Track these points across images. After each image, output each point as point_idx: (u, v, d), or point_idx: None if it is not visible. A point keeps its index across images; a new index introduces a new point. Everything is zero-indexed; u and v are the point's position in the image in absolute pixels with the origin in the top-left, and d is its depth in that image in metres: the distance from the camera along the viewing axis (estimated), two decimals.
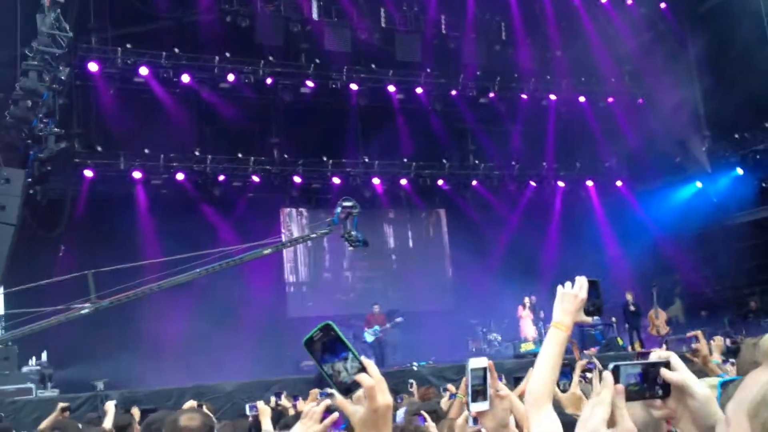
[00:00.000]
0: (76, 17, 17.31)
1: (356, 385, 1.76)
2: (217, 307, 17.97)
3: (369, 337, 17.60)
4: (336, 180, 21.68)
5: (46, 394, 13.28)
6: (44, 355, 14.46)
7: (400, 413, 6.14)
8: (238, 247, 14.69)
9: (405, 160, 22.64)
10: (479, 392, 2.29)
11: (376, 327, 17.82)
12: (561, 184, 24.50)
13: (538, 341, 17.56)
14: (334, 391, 1.76)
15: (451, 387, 9.52)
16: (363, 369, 1.77)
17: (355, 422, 1.77)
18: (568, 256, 22.01)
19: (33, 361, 14.17)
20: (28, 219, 15.82)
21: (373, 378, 1.77)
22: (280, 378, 15.28)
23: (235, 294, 18.28)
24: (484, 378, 2.29)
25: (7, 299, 15.71)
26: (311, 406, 2.78)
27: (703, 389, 1.68)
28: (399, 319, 18.52)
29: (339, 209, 15.09)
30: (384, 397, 1.77)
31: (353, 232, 15.21)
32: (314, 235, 16.19)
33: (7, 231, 14.89)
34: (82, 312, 12.82)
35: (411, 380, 11.49)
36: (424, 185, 23.09)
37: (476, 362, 2.28)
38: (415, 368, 15.48)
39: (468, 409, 2.30)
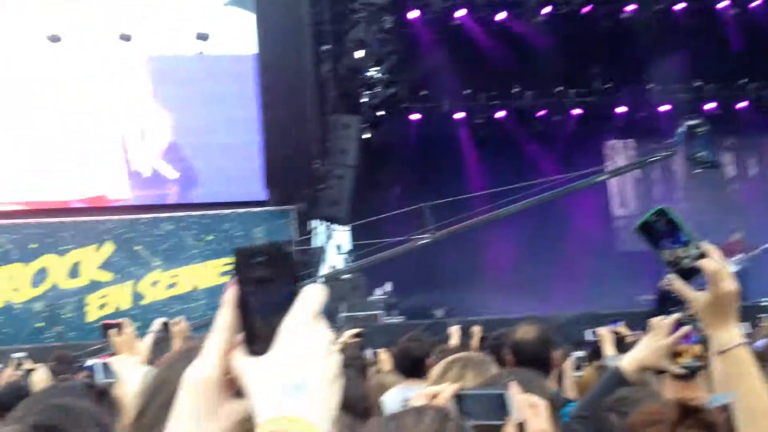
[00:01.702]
0: None
1: (696, 271, 1.70)
2: (544, 240, 17.90)
3: (731, 266, 16.16)
4: (664, 107, 20.31)
5: (392, 320, 14.26)
6: (389, 285, 15.51)
7: (762, 342, 5.93)
8: (568, 176, 14.43)
9: (742, 81, 20.51)
10: None
11: (741, 255, 16.30)
12: None
13: None
14: (672, 276, 1.71)
15: None
16: (704, 254, 1.69)
17: (697, 308, 1.74)
18: None
19: (379, 290, 15.27)
20: (364, 162, 16.90)
21: (716, 263, 1.70)
22: (614, 311, 14.80)
23: (560, 227, 18.10)
24: None
25: (351, 235, 17.14)
26: (659, 320, 2.70)
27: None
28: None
29: (683, 128, 13.99)
30: (729, 283, 1.71)
31: (702, 152, 13.99)
32: (654, 159, 15.25)
33: (349, 173, 16.11)
34: (423, 242, 13.51)
35: (761, 315, 10.60)
36: (765, 108, 20.76)
37: None
38: None
39: None
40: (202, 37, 18.08)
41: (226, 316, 0.94)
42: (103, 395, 2.10)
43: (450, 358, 3.06)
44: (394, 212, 14.45)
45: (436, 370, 2.95)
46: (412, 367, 5.12)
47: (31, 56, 17.38)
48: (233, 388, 0.94)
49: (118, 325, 3.99)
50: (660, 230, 1.72)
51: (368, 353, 8.50)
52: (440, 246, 14.71)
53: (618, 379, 2.77)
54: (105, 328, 4.24)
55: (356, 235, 16.85)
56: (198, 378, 0.94)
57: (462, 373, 2.81)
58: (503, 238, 17.13)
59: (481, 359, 3.14)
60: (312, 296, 0.93)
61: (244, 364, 0.91)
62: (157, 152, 17.81)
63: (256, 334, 0.92)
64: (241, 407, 0.93)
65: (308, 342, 0.90)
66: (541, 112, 20.20)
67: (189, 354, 1.19)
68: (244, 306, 0.93)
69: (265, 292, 0.92)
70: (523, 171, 17.91)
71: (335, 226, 16.89)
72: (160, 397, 1.20)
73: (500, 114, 20.04)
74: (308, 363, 0.89)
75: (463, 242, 16.07)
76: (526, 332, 4.09)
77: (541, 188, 14.69)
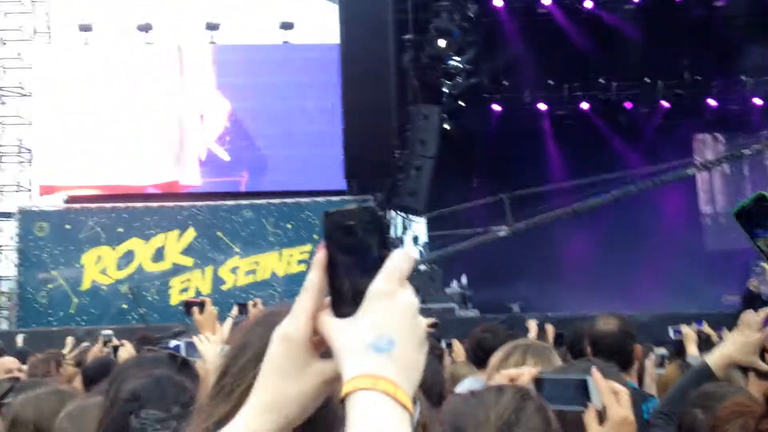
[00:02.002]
0: None
1: None
2: (626, 236, 17.50)
3: None
4: (756, 100, 19.54)
5: (468, 313, 14.17)
6: (465, 278, 15.44)
7: None
8: (654, 168, 14.03)
9: None
10: None
11: None
12: None
13: None
14: (765, 265, 1.56)
15: None
16: None
17: None
18: None
19: (455, 283, 15.21)
20: (443, 152, 16.81)
21: None
22: (699, 312, 14.34)
23: (645, 223, 17.64)
24: None
25: (428, 226, 17.12)
26: (749, 314, 2.64)
27: None
28: None
29: None
30: None
31: None
32: (745, 153, 14.76)
33: (427, 164, 16.06)
34: (500, 234, 13.38)
35: None
36: None
37: None
38: None
39: None
40: (287, 26, 18.33)
41: (315, 278, 0.96)
42: (185, 365, 2.16)
43: (511, 343, 2.99)
44: (472, 203, 14.33)
45: (496, 356, 2.89)
46: (486, 358, 5.04)
47: (119, 44, 18.00)
48: (321, 348, 0.95)
49: (201, 304, 4.06)
50: (757, 217, 1.66)
51: (442, 344, 8.48)
52: (518, 239, 14.54)
53: (705, 375, 2.68)
54: (187, 306, 4.31)
55: (433, 226, 16.83)
56: (287, 337, 0.96)
57: (523, 359, 2.76)
58: (583, 232, 16.79)
59: (542, 346, 3.07)
60: (400, 261, 0.93)
61: (332, 325, 0.93)
62: (232, 139, 18.17)
63: (344, 296, 0.93)
64: (328, 367, 0.94)
65: (395, 305, 0.90)
66: (628, 104, 19.73)
67: (269, 318, 1.20)
68: (332, 269, 0.94)
69: (354, 255, 0.93)
70: (606, 164, 17.53)
71: (412, 217, 16.90)
72: (241, 359, 1.21)
73: (584, 105, 19.68)
74: (394, 325, 0.89)
75: (542, 236, 15.84)
76: (606, 323, 3.95)
77: (625, 182, 14.33)
